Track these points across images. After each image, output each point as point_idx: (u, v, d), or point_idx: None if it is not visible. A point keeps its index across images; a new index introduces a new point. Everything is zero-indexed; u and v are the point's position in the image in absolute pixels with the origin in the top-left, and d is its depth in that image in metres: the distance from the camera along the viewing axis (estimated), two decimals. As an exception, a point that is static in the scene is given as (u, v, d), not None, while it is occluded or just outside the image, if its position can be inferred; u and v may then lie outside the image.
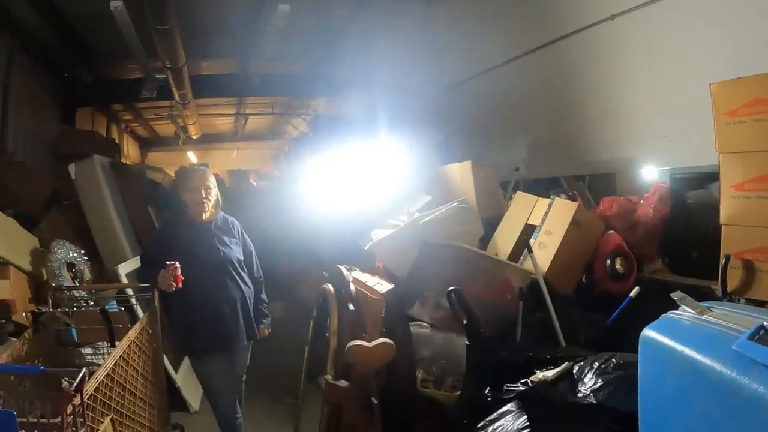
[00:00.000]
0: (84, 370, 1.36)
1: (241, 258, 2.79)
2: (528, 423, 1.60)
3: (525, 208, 3.12)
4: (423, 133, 4.94)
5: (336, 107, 9.27)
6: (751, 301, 1.99)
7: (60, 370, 1.53)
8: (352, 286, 2.49)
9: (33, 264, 3.15)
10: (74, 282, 3.22)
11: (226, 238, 2.77)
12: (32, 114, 6.26)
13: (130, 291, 3.26)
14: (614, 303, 2.49)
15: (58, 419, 1.27)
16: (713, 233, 2.19)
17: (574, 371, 1.73)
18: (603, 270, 2.80)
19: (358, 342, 2.07)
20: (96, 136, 7.61)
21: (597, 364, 1.69)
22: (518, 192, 3.50)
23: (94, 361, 2.62)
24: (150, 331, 2.55)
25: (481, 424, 1.71)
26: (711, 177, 2.76)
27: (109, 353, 2.36)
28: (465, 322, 2.02)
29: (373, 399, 2.12)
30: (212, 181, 2.75)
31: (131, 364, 2.24)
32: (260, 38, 6.17)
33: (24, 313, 2.72)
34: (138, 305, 3.34)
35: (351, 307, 2.42)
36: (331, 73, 7.84)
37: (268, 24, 5.58)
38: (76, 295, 2.95)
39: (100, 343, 2.62)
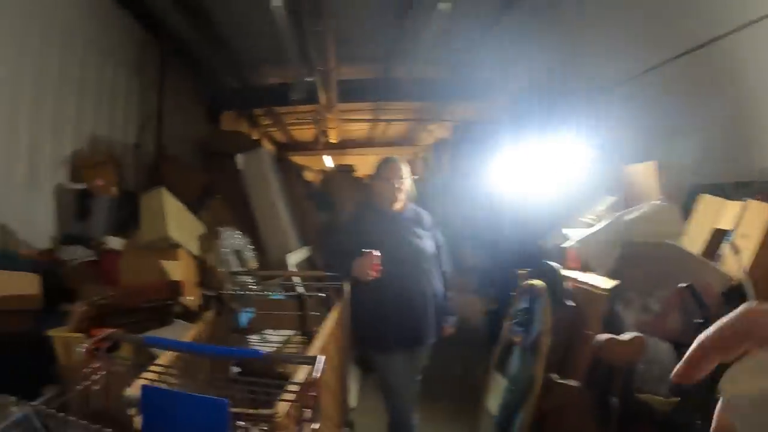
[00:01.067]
0: (322, 357, 1.21)
1: (433, 251, 2.71)
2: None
3: (712, 212, 2.87)
4: (584, 134, 4.58)
5: (479, 111, 8.95)
6: None
7: (293, 355, 1.40)
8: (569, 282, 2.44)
9: (201, 249, 3.22)
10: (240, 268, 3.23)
11: (417, 230, 2.70)
12: (182, 114, 6.82)
13: (296, 279, 3.26)
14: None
15: (280, 411, 1.11)
16: None
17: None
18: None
19: (611, 336, 1.99)
20: (242, 136, 8.01)
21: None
22: (704, 195, 3.13)
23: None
24: (340, 323, 2.45)
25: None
26: None
27: (285, 342, 2.32)
28: (701, 321, 1.93)
29: (613, 399, 2.03)
30: (406, 172, 2.70)
31: (328, 357, 2.12)
32: (410, 41, 6.07)
33: (205, 294, 2.76)
34: (308, 295, 3.31)
35: (570, 303, 2.35)
36: (476, 75, 7.63)
37: (425, 26, 5.43)
38: (245, 280, 2.93)
39: (270, 331, 2.57)
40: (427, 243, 2.71)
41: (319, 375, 1.15)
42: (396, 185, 2.65)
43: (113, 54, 5.11)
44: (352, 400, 3.62)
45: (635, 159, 3.63)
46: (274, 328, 2.58)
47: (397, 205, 2.69)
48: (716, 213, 2.85)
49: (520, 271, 2.93)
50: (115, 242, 3.51)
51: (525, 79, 6.21)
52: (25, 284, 3.03)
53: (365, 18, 5.96)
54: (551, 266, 2.52)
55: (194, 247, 3.14)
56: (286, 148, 13.85)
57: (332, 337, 2.18)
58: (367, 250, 2.37)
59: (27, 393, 2.38)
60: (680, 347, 2.50)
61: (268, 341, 2.50)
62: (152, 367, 1.49)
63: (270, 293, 2.59)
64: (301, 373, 1.42)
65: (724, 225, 2.75)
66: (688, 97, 3.98)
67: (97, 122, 4.79)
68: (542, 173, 3.89)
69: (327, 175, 7.78)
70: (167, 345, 1.59)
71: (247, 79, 8.12)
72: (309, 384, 1.16)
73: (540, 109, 5.16)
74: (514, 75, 6.59)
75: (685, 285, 1.99)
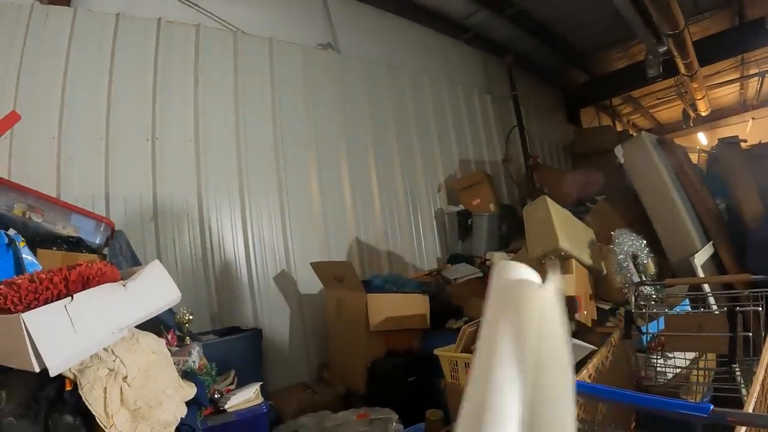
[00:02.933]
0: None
1: None
2: None
3: None
4: None
5: None
6: None
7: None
8: None
9: (593, 258, 2.87)
10: (639, 276, 2.77)
11: None
12: (542, 121, 6.80)
13: (707, 287, 2.71)
14: None
15: None
16: None
17: None
18: None
19: None
20: (609, 129, 7.61)
21: None
22: None
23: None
24: None
25: None
26: None
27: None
28: None
29: None
30: None
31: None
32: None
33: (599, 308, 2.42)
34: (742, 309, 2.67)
35: None
36: None
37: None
38: (645, 292, 2.46)
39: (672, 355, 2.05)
40: None
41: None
42: None
43: (463, 81, 5.55)
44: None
45: None
46: (686, 349, 2.09)
47: None
48: None
49: None
50: (498, 257, 3.49)
51: None
52: (415, 305, 3.21)
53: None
54: None
55: (586, 256, 2.80)
56: (652, 133, 12.63)
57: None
58: None
59: (411, 411, 2.38)
60: None
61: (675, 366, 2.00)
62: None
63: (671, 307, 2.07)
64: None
65: None
66: None
67: (462, 146, 5.22)
68: None
69: (714, 151, 6.48)
70: (597, 393, 1.28)
71: (595, 70, 7.84)
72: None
73: None
74: None
75: None
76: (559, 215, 2.78)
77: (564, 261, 2.71)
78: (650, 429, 1.81)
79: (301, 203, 3.71)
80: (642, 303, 2.22)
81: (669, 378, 2.11)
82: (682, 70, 6.53)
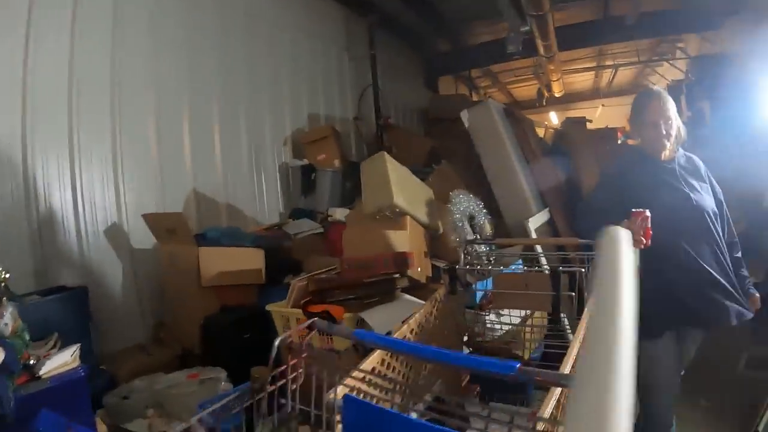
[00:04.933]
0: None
1: (714, 209, 2.09)
2: None
3: None
4: None
5: (713, 44, 7.36)
6: None
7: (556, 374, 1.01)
8: None
9: (429, 216, 3.00)
10: (475, 236, 2.94)
11: (694, 182, 2.11)
12: (400, 84, 7.04)
13: (539, 248, 2.95)
14: None
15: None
16: None
17: None
18: None
19: None
20: (463, 98, 7.91)
21: None
22: None
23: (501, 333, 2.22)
24: None
25: None
26: None
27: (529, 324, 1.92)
28: None
29: None
30: (672, 111, 2.10)
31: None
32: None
33: (435, 265, 2.53)
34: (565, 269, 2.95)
35: None
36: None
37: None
38: (481, 251, 2.63)
39: (505, 312, 2.20)
40: (707, 199, 2.11)
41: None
42: (663, 129, 2.08)
43: (321, 36, 5.44)
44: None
45: None
46: (513, 307, 2.21)
47: (665, 153, 2.13)
48: None
49: None
50: (340, 213, 3.52)
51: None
52: (250, 259, 3.15)
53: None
54: None
55: (422, 214, 2.92)
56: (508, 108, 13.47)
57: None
58: (637, 210, 1.82)
59: (242, 368, 2.42)
60: None
61: (506, 323, 2.15)
62: (365, 365, 1.23)
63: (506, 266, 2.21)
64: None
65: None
66: None
67: (313, 101, 5.13)
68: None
69: (560, 128, 7.13)
70: (383, 343, 1.26)
71: (459, 40, 8.08)
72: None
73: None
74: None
75: None
76: (396, 172, 2.85)
77: (399, 217, 2.80)
78: (483, 384, 1.89)
79: (137, 150, 3.40)
80: (476, 261, 2.33)
81: (500, 334, 2.22)
82: (541, 51, 6.99)
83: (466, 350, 2.12)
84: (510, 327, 2.20)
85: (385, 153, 2.98)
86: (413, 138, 5.62)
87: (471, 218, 2.98)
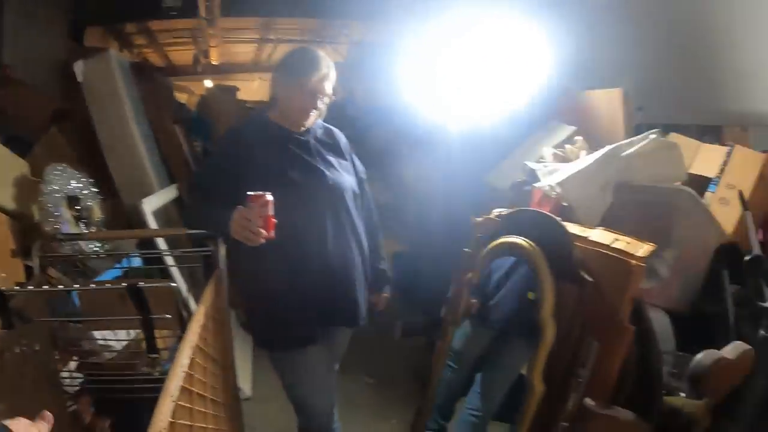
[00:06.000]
0: None
1: (355, 188, 1.84)
2: None
3: (687, 155, 2.65)
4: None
5: (377, 33, 8.19)
6: None
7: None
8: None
9: (19, 199, 2.19)
10: (78, 225, 2.30)
11: (332, 158, 1.81)
12: (34, 28, 5.52)
13: (160, 241, 2.53)
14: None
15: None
16: None
17: None
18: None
19: (720, 354, 1.54)
20: (109, 53, 6.75)
21: None
22: (673, 134, 2.92)
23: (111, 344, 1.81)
24: (217, 315, 1.65)
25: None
26: None
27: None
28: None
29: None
30: (333, 73, 1.76)
31: (197, 372, 1.37)
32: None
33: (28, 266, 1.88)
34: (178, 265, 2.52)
35: (588, 277, 1.66)
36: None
37: None
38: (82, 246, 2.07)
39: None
40: (347, 177, 1.83)
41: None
42: (319, 103, 1.73)
43: None
44: (246, 388, 2.88)
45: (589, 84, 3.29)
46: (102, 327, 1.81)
47: (308, 122, 1.77)
48: (691, 157, 2.75)
49: (478, 219, 2.22)
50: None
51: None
52: None
53: None
54: (549, 219, 1.73)
55: (6, 196, 2.11)
56: (163, 72, 12.47)
57: (199, 345, 1.42)
58: (254, 193, 1.48)
59: None
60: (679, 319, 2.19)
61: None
62: None
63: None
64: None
65: (705, 171, 2.67)
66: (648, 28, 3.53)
67: None
68: (480, 92, 2.99)
69: (205, 94, 6.74)
70: None
71: None
72: None
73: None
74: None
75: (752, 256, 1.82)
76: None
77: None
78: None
79: None
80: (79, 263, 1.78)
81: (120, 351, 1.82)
82: (203, 12, 6.46)
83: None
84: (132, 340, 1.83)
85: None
86: (36, 97, 4.45)
87: (73, 200, 2.34)
